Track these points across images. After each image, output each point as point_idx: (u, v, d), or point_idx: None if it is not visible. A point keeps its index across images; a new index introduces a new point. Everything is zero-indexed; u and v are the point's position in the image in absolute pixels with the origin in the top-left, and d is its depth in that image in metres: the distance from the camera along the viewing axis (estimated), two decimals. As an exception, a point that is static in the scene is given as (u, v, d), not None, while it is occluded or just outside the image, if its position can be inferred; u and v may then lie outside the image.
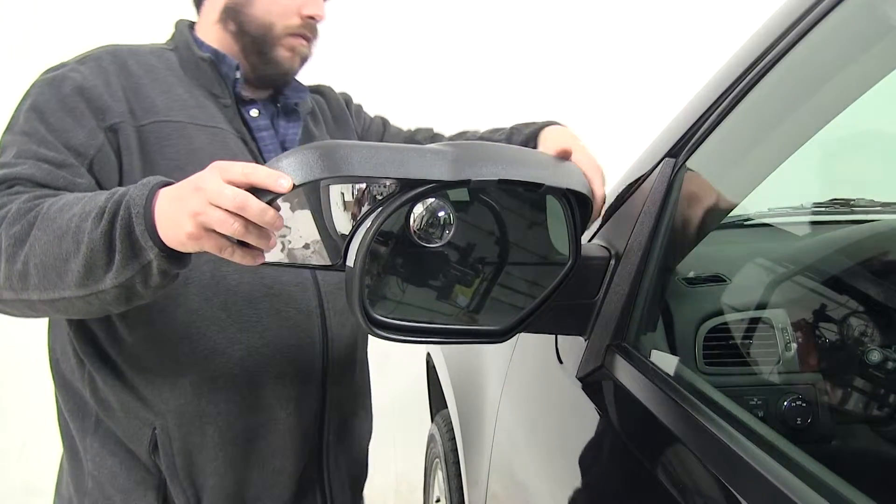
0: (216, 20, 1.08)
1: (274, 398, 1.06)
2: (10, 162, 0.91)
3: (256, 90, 1.12)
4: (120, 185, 0.96)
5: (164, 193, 0.79)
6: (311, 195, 0.72)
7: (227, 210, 0.71)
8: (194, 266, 0.98)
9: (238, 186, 0.72)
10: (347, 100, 1.33)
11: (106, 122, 0.97)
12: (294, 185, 0.68)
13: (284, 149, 1.09)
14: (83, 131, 0.95)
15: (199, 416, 1.02)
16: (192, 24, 1.14)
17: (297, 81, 1.17)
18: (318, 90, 1.29)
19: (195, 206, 0.73)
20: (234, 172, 0.72)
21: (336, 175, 0.69)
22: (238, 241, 0.75)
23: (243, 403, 1.04)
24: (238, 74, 1.07)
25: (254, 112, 1.10)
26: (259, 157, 1.07)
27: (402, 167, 0.70)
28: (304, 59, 1.12)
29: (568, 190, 0.78)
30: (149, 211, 0.78)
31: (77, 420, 1.06)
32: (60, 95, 0.96)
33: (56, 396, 1.08)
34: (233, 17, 1.07)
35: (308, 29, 1.09)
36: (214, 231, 0.74)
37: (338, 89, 1.34)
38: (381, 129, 1.33)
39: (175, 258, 0.80)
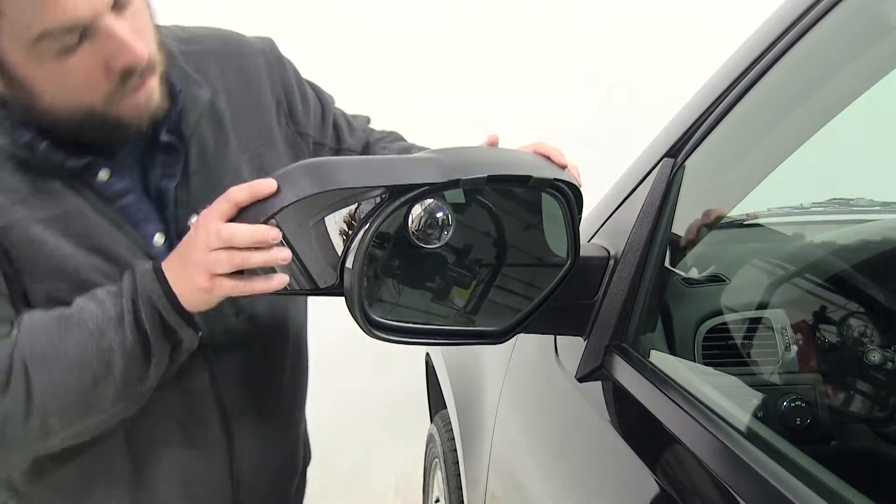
0: (18, 117, 0.78)
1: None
2: None
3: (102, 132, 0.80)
4: (12, 290, 0.79)
5: (165, 268, 0.78)
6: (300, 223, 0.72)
7: (222, 248, 0.72)
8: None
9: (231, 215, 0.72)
10: (289, 90, 1.01)
11: None
12: (285, 204, 0.70)
13: (163, 208, 0.87)
14: None
15: None
16: None
17: (171, 88, 0.85)
18: (216, 48, 0.94)
19: (197, 259, 0.74)
20: (212, 237, 0.72)
21: (327, 189, 0.70)
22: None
23: None
24: (43, 146, 0.78)
25: (102, 176, 0.82)
26: (129, 232, 0.84)
27: (391, 175, 0.71)
28: (158, 89, 0.81)
29: (556, 180, 0.77)
30: (173, 298, 0.77)
31: None
32: None
33: None
34: (29, 114, 0.77)
35: (137, 76, 0.76)
36: (223, 275, 0.74)
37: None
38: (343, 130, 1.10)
39: (195, 326, 0.82)
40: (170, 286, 0.77)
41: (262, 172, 0.89)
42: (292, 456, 1.13)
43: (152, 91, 0.79)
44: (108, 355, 0.77)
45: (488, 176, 0.73)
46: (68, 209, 0.80)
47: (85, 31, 0.71)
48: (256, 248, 0.72)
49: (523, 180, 0.75)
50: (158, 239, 0.87)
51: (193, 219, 0.79)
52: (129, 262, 0.82)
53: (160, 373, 0.82)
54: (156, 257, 0.84)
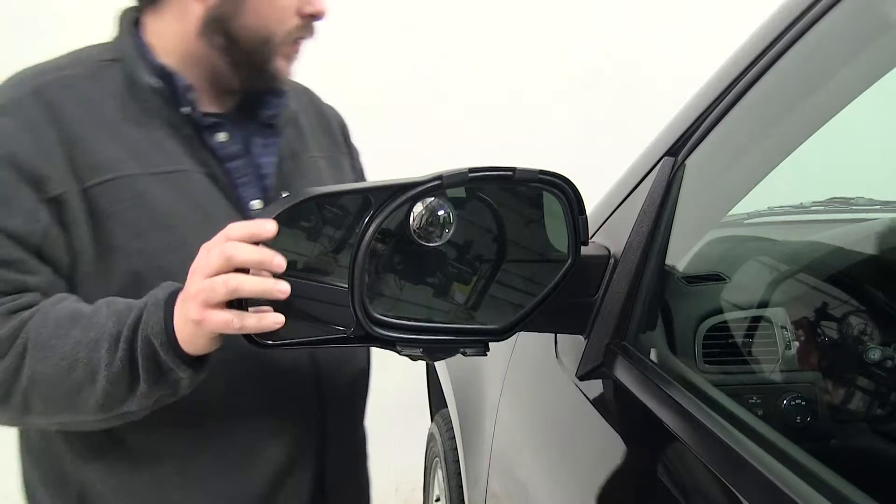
0: (195, 33, 0.87)
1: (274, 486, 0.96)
2: None
3: (222, 100, 0.92)
4: (72, 265, 0.82)
5: (177, 304, 0.75)
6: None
7: (218, 274, 0.70)
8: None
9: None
10: (342, 125, 1.14)
11: (46, 193, 0.80)
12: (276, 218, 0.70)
13: (261, 178, 0.93)
14: (20, 214, 0.79)
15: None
16: (137, 20, 0.91)
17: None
18: (298, 87, 1.08)
19: (194, 290, 0.71)
20: (213, 256, 0.70)
21: (313, 195, 0.71)
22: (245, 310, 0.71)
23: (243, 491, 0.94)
24: (192, 96, 0.87)
25: (221, 137, 0.90)
26: (231, 194, 0.90)
27: (376, 183, 0.74)
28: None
29: (542, 172, 0.78)
30: (171, 336, 0.74)
31: (57, 497, 0.93)
32: None
33: (27, 462, 0.96)
34: (219, 30, 0.87)
35: (308, 30, 0.91)
36: (216, 307, 0.71)
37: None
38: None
39: (201, 366, 0.78)
40: (174, 330, 0.74)
41: (337, 173, 1.05)
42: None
43: (300, 55, 0.93)
44: (95, 368, 0.76)
45: (469, 169, 0.73)
46: (180, 168, 0.87)
47: None
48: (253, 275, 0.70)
49: (507, 175, 0.75)
50: (256, 205, 0.91)
51: (284, 195, 0.78)
52: (224, 225, 0.76)
53: (147, 404, 0.79)
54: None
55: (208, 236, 0.75)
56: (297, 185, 0.96)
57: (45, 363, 0.76)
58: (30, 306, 0.79)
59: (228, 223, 0.74)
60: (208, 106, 0.91)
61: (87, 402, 0.77)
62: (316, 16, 0.90)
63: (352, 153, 1.14)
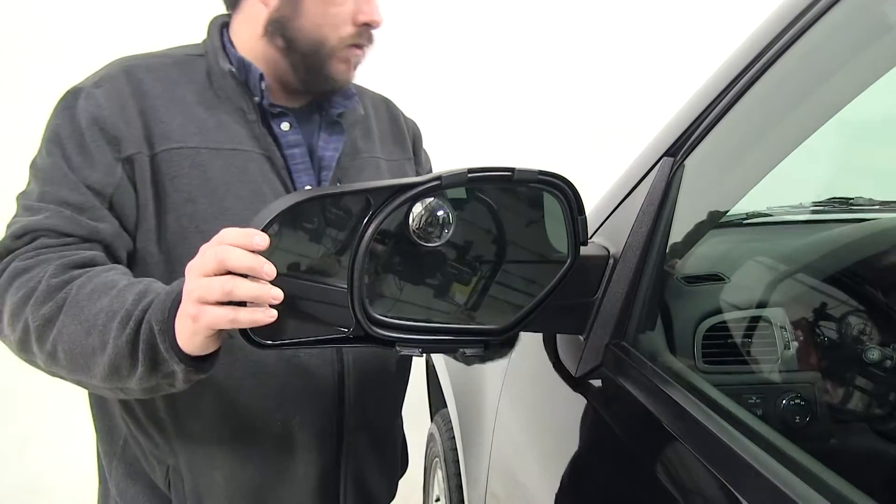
0: (260, 34, 0.98)
1: (284, 453, 1.02)
2: (34, 206, 0.90)
3: (293, 98, 1.03)
4: (137, 220, 0.93)
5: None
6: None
7: (215, 275, 0.71)
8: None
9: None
10: (416, 135, 1.21)
11: (122, 153, 0.92)
12: (271, 226, 0.70)
13: (321, 168, 1.01)
14: (101, 168, 0.91)
15: (209, 462, 1.00)
16: (226, 23, 1.04)
17: (348, 86, 1.05)
18: (378, 97, 1.18)
19: (190, 287, 0.73)
20: (207, 258, 0.71)
21: (312, 196, 0.71)
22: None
23: (251, 453, 1.01)
24: (263, 85, 0.97)
25: (284, 125, 1.00)
26: (287, 178, 0.99)
27: (373, 185, 0.74)
28: (358, 65, 1.02)
29: (541, 173, 0.78)
30: (170, 326, 0.77)
31: (106, 442, 1.04)
32: (77, 127, 0.92)
33: (91, 410, 1.06)
34: (280, 31, 0.97)
35: (364, 37, 0.98)
36: (211, 303, 0.72)
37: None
38: None
39: (200, 364, 0.79)
40: (174, 322, 0.77)
41: (398, 176, 1.10)
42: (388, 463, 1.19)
43: (358, 61, 1.01)
44: (105, 336, 0.80)
45: (468, 169, 0.73)
46: (240, 147, 0.96)
47: None
48: (248, 279, 0.71)
49: (506, 176, 0.75)
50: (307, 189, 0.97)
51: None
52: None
53: (146, 387, 0.82)
54: None
55: (255, 210, 0.77)
56: (353, 179, 1.04)
57: (73, 321, 0.82)
58: (89, 264, 0.87)
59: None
60: (280, 100, 1.01)
61: (97, 368, 0.81)
62: (370, 24, 0.97)
63: (420, 161, 1.20)
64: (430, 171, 1.20)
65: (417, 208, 0.74)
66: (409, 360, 1.17)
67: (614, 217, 0.98)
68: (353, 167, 1.05)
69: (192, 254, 0.75)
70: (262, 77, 0.97)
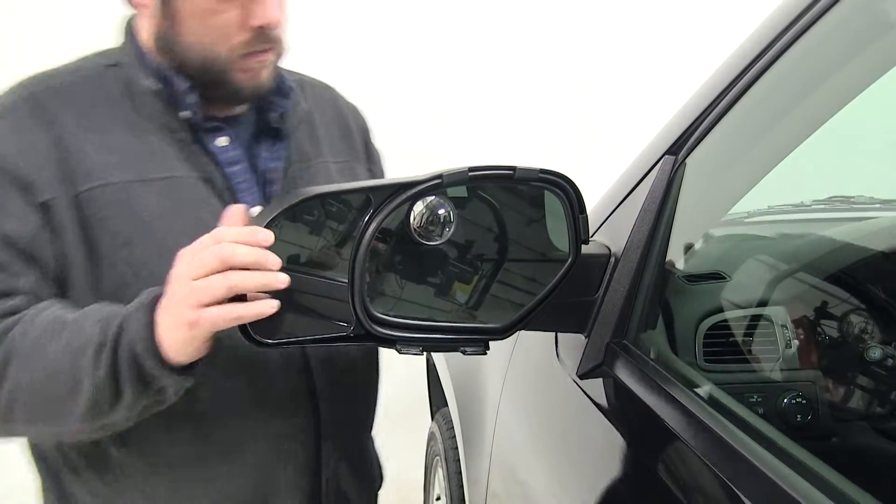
0: (156, 50, 0.86)
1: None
2: None
3: (229, 105, 0.90)
4: (65, 271, 0.82)
5: (159, 312, 0.72)
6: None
7: (216, 273, 0.68)
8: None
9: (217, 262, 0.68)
10: (363, 127, 1.09)
11: (36, 198, 0.79)
12: (273, 224, 0.70)
13: (266, 182, 0.91)
14: (13, 217, 0.79)
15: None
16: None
17: (283, 83, 0.92)
18: (319, 84, 1.05)
19: (185, 292, 0.69)
20: (205, 258, 0.68)
21: (313, 195, 0.71)
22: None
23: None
24: (192, 99, 0.85)
25: (221, 141, 0.88)
26: (231, 201, 0.86)
27: (374, 183, 0.74)
28: (272, 67, 0.88)
29: (542, 171, 0.78)
30: (153, 342, 0.72)
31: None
32: None
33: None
34: (166, 49, 0.84)
35: (263, 41, 0.84)
36: (211, 305, 0.69)
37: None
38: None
39: (189, 370, 0.75)
40: (156, 336, 0.72)
41: (350, 180, 0.99)
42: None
43: (268, 64, 0.87)
44: (77, 375, 0.74)
45: (469, 168, 0.73)
46: (173, 174, 0.84)
47: None
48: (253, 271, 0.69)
49: (507, 174, 0.75)
50: (256, 211, 0.86)
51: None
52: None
53: (133, 414, 0.77)
54: None
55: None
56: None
57: (28, 371, 0.75)
58: (16, 311, 0.78)
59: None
60: (216, 109, 0.88)
61: (72, 411, 0.75)
62: (266, 27, 0.83)
63: (371, 157, 1.09)
64: (382, 168, 1.12)
65: (418, 207, 0.74)
66: (377, 380, 1.11)
67: (615, 215, 0.98)
68: (303, 177, 0.94)
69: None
70: (189, 89, 0.84)
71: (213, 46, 0.83)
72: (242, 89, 0.86)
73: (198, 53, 0.83)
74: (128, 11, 0.90)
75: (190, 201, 0.85)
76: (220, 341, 0.76)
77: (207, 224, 0.80)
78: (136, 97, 0.85)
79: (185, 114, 0.85)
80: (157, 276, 0.75)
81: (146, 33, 0.86)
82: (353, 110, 1.08)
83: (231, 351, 0.82)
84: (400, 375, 2.53)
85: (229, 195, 0.87)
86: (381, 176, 1.10)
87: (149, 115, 0.85)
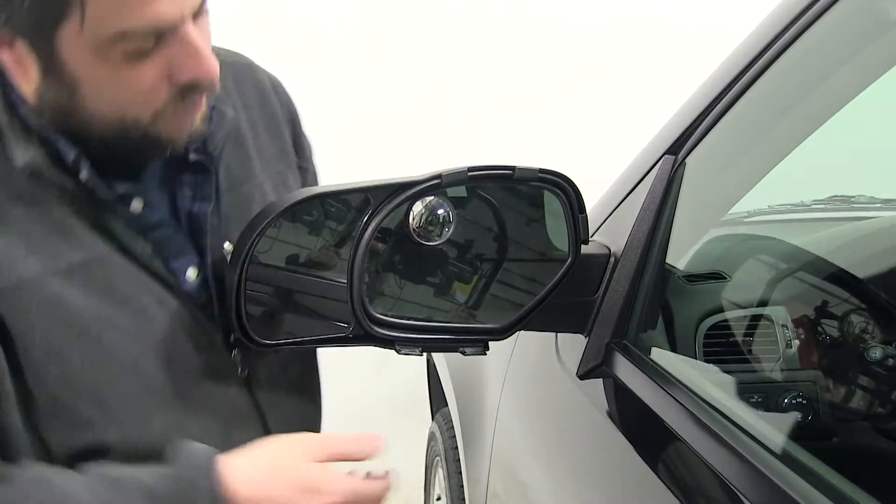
0: (39, 112, 0.66)
1: None
2: None
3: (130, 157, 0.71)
4: None
5: (239, 488, 0.64)
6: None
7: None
8: None
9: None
10: (292, 113, 0.90)
11: None
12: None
13: (194, 232, 0.75)
14: None
15: None
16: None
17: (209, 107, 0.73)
18: (238, 64, 0.85)
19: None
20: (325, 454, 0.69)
21: (311, 195, 0.71)
22: None
23: None
24: (86, 168, 0.66)
25: (134, 206, 0.71)
26: (164, 270, 0.72)
27: (373, 183, 0.73)
28: (206, 107, 0.72)
29: (541, 171, 0.78)
30: None
31: None
32: None
33: None
34: (60, 123, 0.66)
35: (194, 93, 0.67)
36: None
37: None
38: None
39: None
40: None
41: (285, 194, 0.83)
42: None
43: (199, 110, 0.70)
44: None
45: (469, 168, 0.73)
46: (90, 255, 0.68)
47: (161, 36, 0.62)
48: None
49: (506, 174, 0.75)
50: (191, 274, 0.74)
51: (227, 246, 0.72)
52: (156, 317, 0.69)
53: None
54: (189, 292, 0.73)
55: (142, 338, 0.68)
56: (237, 222, 0.75)
57: None
58: None
59: (163, 313, 0.69)
60: (119, 163, 0.70)
61: None
62: (195, 83, 0.66)
63: (301, 153, 0.91)
64: (313, 163, 0.96)
65: (418, 207, 0.74)
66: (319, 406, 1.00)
67: (615, 215, 0.98)
68: (235, 211, 0.78)
69: (77, 426, 0.64)
70: (78, 158, 0.66)
71: (128, 113, 0.66)
72: (171, 145, 0.69)
73: (109, 124, 0.66)
74: None
75: (121, 285, 0.69)
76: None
77: (148, 310, 0.70)
78: (13, 170, 0.66)
79: (83, 177, 0.67)
80: (100, 390, 0.67)
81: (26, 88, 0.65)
82: (277, 86, 0.89)
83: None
84: (400, 375, 2.53)
85: (160, 265, 0.72)
86: (313, 172, 0.96)
87: (45, 183, 0.67)
